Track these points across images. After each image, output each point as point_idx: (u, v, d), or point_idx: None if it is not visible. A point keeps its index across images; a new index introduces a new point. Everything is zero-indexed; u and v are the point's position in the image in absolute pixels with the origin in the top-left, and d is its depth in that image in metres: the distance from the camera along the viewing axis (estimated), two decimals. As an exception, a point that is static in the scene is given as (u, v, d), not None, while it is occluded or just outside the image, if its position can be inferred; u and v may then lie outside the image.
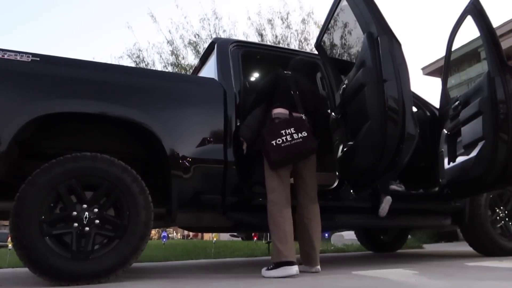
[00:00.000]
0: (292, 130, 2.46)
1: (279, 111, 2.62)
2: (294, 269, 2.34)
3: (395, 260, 3.51)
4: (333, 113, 3.13)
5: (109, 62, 11.25)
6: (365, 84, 2.49)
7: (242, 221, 2.78)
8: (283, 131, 2.46)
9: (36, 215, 2.05)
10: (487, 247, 3.53)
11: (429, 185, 3.48)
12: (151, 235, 6.26)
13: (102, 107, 2.36)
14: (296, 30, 14.49)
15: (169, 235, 21.50)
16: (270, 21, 14.45)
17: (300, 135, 2.45)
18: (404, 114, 2.36)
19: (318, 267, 2.57)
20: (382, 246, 4.89)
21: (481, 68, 11.04)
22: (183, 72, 13.03)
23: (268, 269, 2.41)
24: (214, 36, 13.92)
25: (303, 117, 2.60)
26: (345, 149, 2.81)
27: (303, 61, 3.01)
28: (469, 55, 10.39)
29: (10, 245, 3.66)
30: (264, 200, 2.57)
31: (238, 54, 3.02)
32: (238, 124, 2.75)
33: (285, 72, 2.80)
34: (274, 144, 2.44)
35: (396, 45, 2.45)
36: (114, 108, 2.38)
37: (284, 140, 2.44)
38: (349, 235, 6.65)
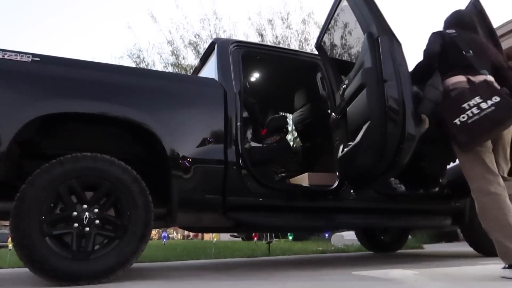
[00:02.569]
0: (478, 99, 2.04)
1: (455, 80, 2.21)
2: None
3: (395, 260, 3.51)
4: (333, 113, 3.13)
5: (109, 62, 11.26)
6: (365, 84, 2.49)
7: (242, 222, 2.77)
8: (465, 105, 2.05)
9: (36, 215, 2.05)
10: (487, 247, 3.52)
11: (429, 185, 3.47)
12: (151, 235, 6.25)
13: (102, 107, 2.36)
14: (296, 31, 14.55)
15: (170, 235, 21.49)
16: (270, 21, 14.51)
17: (490, 102, 2.01)
18: (405, 114, 2.36)
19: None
20: (382, 246, 4.89)
21: (481, 68, 11.00)
22: (183, 72, 13.05)
23: (504, 268, 2.04)
24: (214, 36, 13.94)
25: (488, 78, 2.15)
26: (345, 149, 2.81)
27: (468, 15, 2.54)
28: (469, 55, 10.34)
29: (10, 245, 3.66)
30: (264, 200, 2.55)
31: (238, 54, 3.01)
32: (238, 124, 2.73)
33: (447, 32, 2.42)
34: (458, 123, 2.06)
35: (397, 45, 2.44)
36: (114, 109, 2.38)
37: (470, 115, 2.03)
38: (349, 235, 6.65)
